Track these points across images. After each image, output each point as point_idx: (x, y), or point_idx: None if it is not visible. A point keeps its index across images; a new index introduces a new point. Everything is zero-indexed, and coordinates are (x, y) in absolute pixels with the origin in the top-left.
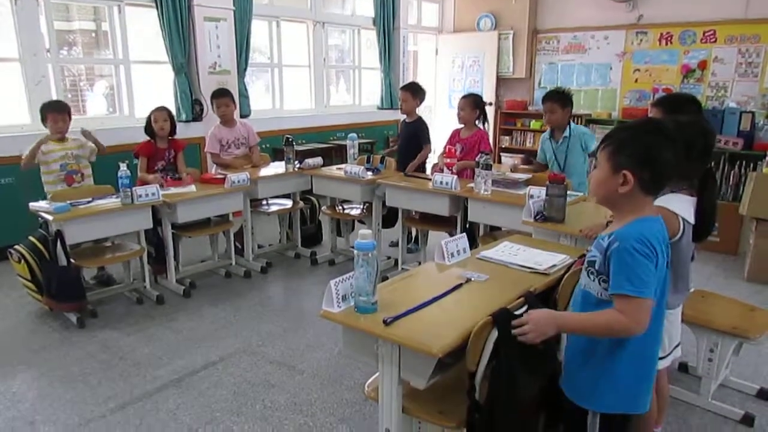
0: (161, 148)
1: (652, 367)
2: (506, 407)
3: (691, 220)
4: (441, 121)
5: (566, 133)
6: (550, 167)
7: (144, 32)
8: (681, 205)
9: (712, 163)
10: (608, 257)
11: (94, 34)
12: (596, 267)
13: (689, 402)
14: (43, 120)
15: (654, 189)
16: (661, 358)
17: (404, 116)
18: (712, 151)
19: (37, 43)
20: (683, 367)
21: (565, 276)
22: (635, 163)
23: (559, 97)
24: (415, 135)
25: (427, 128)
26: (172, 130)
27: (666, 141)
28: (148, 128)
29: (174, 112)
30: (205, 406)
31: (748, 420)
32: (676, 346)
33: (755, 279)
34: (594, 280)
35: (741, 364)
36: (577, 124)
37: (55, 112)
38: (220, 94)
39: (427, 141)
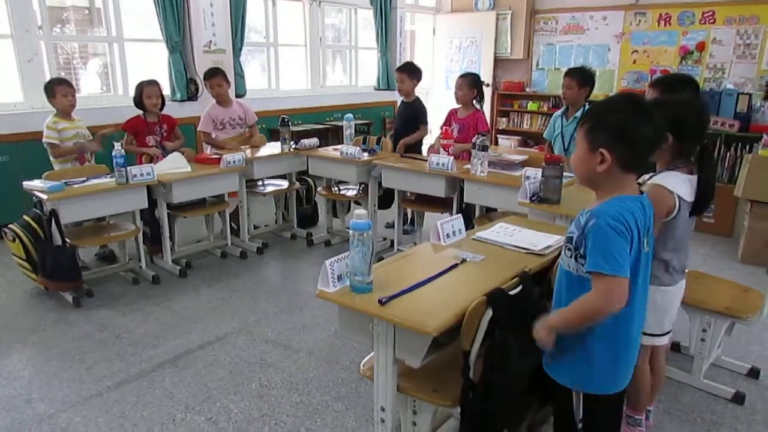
0: (151, 122)
1: (627, 349)
2: (500, 386)
3: (689, 198)
4: (438, 102)
5: (578, 114)
6: (554, 145)
7: (138, 9)
8: (677, 182)
9: (707, 141)
10: (585, 234)
11: (87, 11)
12: (573, 243)
13: (681, 381)
14: (51, 96)
15: (633, 166)
16: (660, 335)
17: (402, 97)
18: (706, 129)
19: (29, 20)
20: (676, 347)
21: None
22: (611, 140)
23: (578, 75)
24: (413, 116)
25: (425, 109)
26: (162, 105)
27: (642, 115)
28: (140, 102)
29: (168, 91)
30: (202, 384)
31: (738, 398)
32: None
33: (749, 260)
34: (571, 257)
35: (733, 344)
36: None
37: (65, 85)
38: (212, 74)
39: (425, 122)
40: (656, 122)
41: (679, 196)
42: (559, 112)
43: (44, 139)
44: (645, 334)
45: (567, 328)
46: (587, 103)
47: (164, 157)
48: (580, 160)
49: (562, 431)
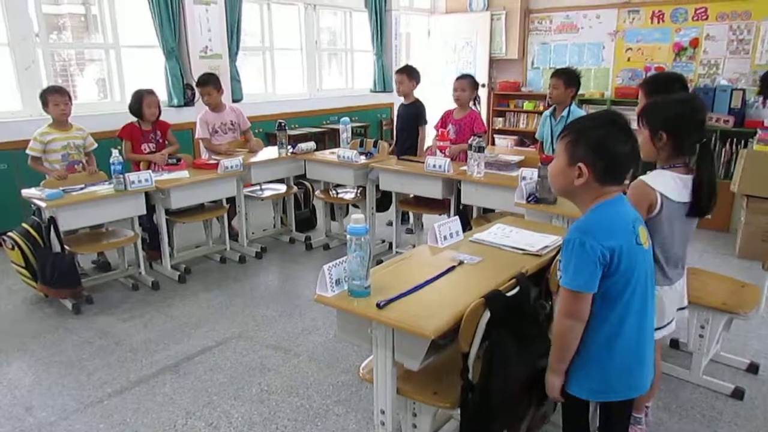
0: (146, 130)
1: (641, 352)
2: (499, 387)
3: (678, 197)
4: (434, 103)
5: (564, 113)
6: (545, 144)
7: (134, 16)
8: (664, 180)
9: (706, 140)
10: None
11: (83, 18)
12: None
13: (681, 378)
14: (45, 104)
15: (611, 180)
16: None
17: (401, 99)
18: (703, 125)
19: (25, 28)
20: (675, 344)
21: (557, 257)
22: (590, 155)
23: (563, 75)
24: (414, 117)
25: (424, 110)
26: (159, 114)
27: (620, 134)
28: (138, 110)
29: (165, 97)
30: (202, 390)
31: (738, 394)
32: (669, 322)
33: (746, 255)
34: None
35: (731, 340)
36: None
37: (57, 94)
38: (202, 83)
39: (424, 123)
40: (633, 140)
41: (662, 194)
42: (548, 112)
43: (27, 149)
44: None
45: (562, 362)
46: (572, 104)
47: (167, 163)
48: (558, 172)
49: None
